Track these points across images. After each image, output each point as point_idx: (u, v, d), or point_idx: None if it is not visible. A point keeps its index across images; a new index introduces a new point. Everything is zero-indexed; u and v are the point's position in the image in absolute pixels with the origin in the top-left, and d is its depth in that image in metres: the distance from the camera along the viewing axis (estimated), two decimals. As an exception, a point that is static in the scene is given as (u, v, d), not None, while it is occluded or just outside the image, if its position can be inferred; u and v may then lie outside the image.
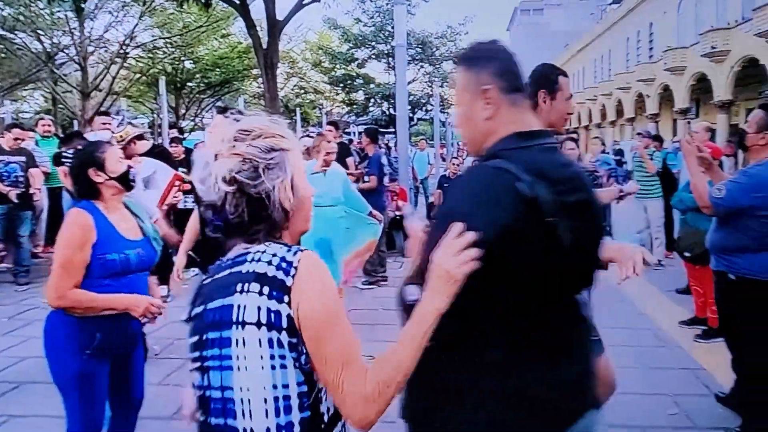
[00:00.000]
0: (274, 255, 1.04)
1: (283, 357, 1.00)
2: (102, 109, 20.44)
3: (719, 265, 2.92)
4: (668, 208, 6.27)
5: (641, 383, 3.55)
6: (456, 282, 1.07)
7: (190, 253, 7.03)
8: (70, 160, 3.59)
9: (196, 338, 1.08)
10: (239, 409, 1.00)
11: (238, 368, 1.00)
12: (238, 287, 1.02)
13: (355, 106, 24.60)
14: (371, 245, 4.62)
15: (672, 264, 6.60)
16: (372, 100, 23.42)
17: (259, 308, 0.99)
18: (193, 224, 3.49)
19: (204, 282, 1.13)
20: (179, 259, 3.45)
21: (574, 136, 5.81)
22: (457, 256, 1.06)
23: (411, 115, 23.90)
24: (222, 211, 1.07)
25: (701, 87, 25.65)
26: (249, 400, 1.00)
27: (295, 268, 1.02)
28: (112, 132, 5.42)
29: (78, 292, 2.00)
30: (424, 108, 23.21)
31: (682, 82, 27.16)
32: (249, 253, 1.06)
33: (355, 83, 23.42)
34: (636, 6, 34.03)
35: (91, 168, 2.14)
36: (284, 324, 0.99)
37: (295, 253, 1.05)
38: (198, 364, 1.09)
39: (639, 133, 7.48)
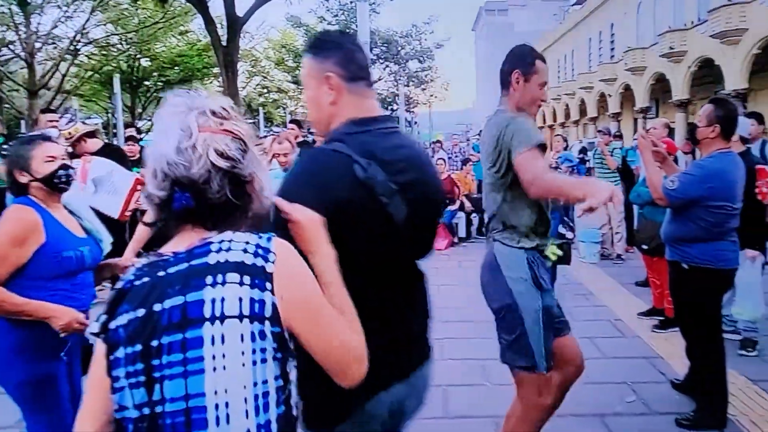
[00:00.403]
0: (248, 243, 0.98)
1: (264, 350, 0.94)
2: (52, 107, 19.64)
3: (673, 255, 3.04)
4: (628, 203, 6.34)
5: (600, 373, 3.64)
6: (321, 224, 1.15)
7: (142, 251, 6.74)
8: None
9: (138, 347, 0.92)
10: (212, 416, 0.90)
11: (214, 369, 0.90)
12: (209, 280, 0.92)
13: (319, 106, 24.35)
14: None
15: (632, 258, 6.83)
16: (336, 99, 23.25)
17: (240, 299, 0.92)
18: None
19: (136, 282, 0.98)
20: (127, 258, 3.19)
21: None
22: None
23: (377, 114, 23.69)
24: (202, 189, 0.98)
25: (660, 87, 26.34)
26: (227, 403, 0.91)
27: (274, 253, 0.98)
28: (60, 130, 5.12)
29: (3, 292, 1.87)
30: (389, 107, 23.12)
31: (642, 81, 27.84)
32: (211, 243, 0.97)
33: (319, 82, 23.17)
34: (597, 7, 34.75)
35: (16, 169, 2.02)
36: (268, 313, 0.94)
37: (269, 239, 1.00)
38: (138, 379, 0.93)
39: (600, 131, 7.54)
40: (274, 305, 0.95)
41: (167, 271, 0.97)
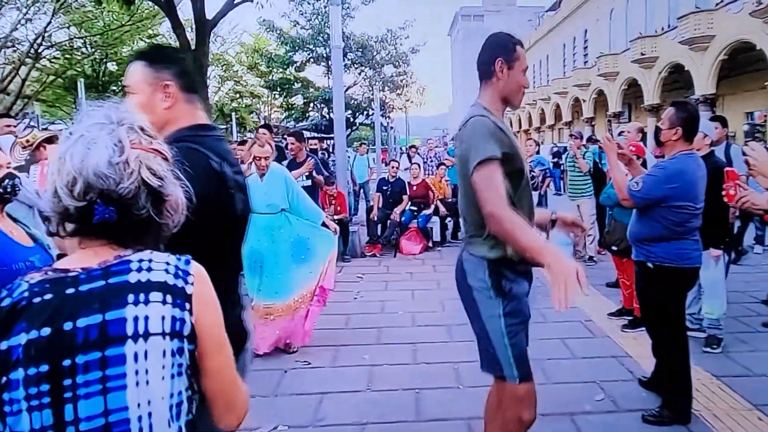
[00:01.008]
0: (168, 263, 1.01)
1: (180, 365, 0.98)
2: (12, 113, 18.97)
3: (639, 255, 3.09)
4: (600, 206, 6.41)
5: (570, 373, 3.73)
6: None
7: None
8: None
9: (44, 368, 0.89)
10: (135, 428, 0.93)
11: (137, 384, 0.93)
12: (131, 299, 0.94)
13: (293, 111, 24.16)
14: (333, 257, 4.37)
15: (603, 260, 6.89)
16: (311, 105, 23.09)
17: (163, 317, 0.96)
18: None
19: (35, 299, 0.93)
20: None
21: None
22: None
23: (352, 119, 23.67)
24: (128, 204, 0.99)
25: (633, 92, 26.89)
26: (150, 414, 0.94)
27: (192, 275, 1.02)
28: (16, 136, 4.97)
29: None
30: (365, 112, 23.07)
31: (614, 87, 28.39)
32: (130, 261, 0.99)
33: (293, 87, 22.98)
34: (571, 13, 35.37)
35: None
36: (186, 332, 0.98)
37: (187, 261, 1.04)
38: (41, 401, 0.90)
39: (572, 135, 7.63)
40: (192, 325, 0.99)
41: (78, 288, 0.94)
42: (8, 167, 2.02)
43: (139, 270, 0.97)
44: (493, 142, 1.90)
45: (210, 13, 9.13)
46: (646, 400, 3.25)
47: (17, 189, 2.04)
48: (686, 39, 20.82)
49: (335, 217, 7.59)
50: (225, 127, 29.93)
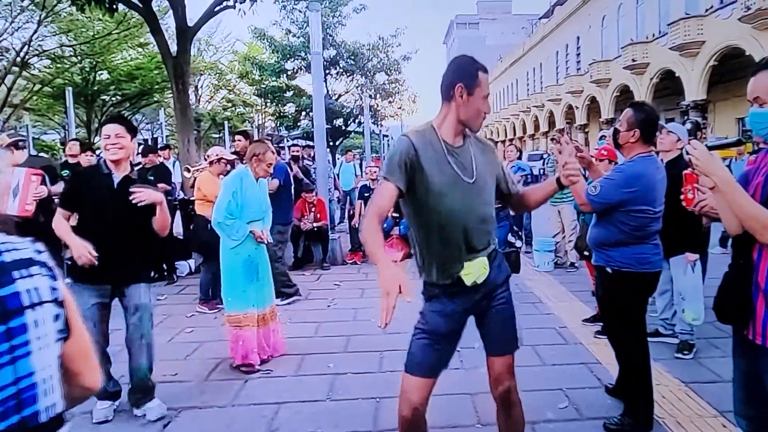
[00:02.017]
0: (21, 241, 1.08)
1: (61, 330, 1.08)
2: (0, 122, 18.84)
3: (599, 259, 3.03)
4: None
5: (538, 380, 3.66)
6: None
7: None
8: None
9: None
10: (42, 389, 1.02)
11: (39, 348, 1.03)
12: (16, 274, 1.02)
13: (285, 119, 24.14)
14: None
15: (585, 266, 6.73)
16: (303, 113, 23.08)
17: (48, 287, 1.06)
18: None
19: None
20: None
21: (495, 145, 5.76)
22: None
23: (344, 127, 23.66)
24: None
25: (625, 98, 26.91)
26: (51, 375, 1.05)
27: (40, 249, 1.10)
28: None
29: None
30: (357, 120, 23.06)
31: (607, 93, 28.47)
32: None
33: (285, 96, 22.97)
34: (563, 21, 35.54)
35: None
36: (60, 297, 1.08)
37: (31, 240, 1.11)
38: None
39: (553, 139, 7.58)
40: (61, 293, 1.09)
41: None
42: None
43: (8, 251, 1.04)
44: (397, 162, 2.01)
45: (192, 21, 9.11)
46: (610, 408, 3.19)
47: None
48: (677, 45, 20.91)
49: (315, 224, 7.53)
50: (218, 136, 29.83)
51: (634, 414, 2.93)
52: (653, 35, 24.40)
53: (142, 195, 2.96)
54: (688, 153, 2.01)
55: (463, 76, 2.10)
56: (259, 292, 4.01)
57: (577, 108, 32.85)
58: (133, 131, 3.12)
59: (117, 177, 3.09)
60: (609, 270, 2.93)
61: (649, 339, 4.10)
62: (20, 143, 5.09)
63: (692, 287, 3.90)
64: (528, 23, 54.18)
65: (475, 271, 2.14)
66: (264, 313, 4.07)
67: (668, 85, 23.22)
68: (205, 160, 5.99)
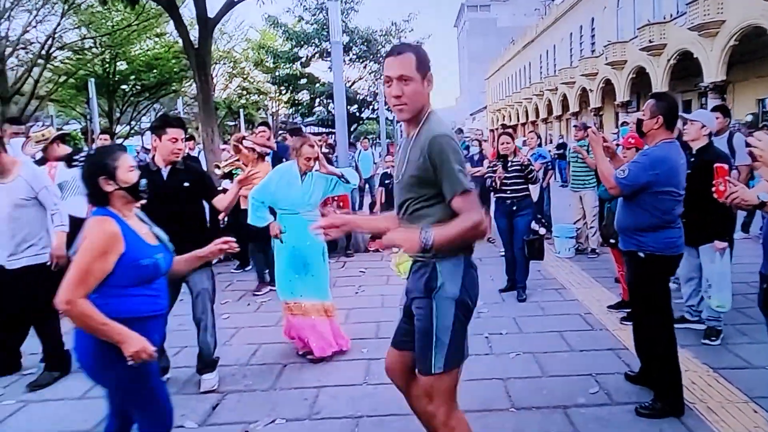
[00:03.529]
0: None
1: None
2: (26, 114, 19.25)
3: (629, 244, 3.12)
4: (601, 199, 6.38)
5: (567, 366, 3.75)
6: None
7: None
8: None
9: None
10: None
11: None
12: None
13: (300, 107, 24.20)
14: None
15: (606, 252, 6.83)
16: (317, 100, 23.10)
17: None
18: None
19: None
20: None
21: (509, 131, 5.79)
22: None
23: (358, 114, 23.67)
24: None
25: (641, 80, 26.55)
26: None
27: None
28: (32, 132, 5.10)
29: (86, 305, 1.91)
30: (371, 106, 23.03)
31: (622, 76, 28.06)
32: None
33: (299, 83, 23.01)
34: (578, 2, 34.93)
35: (102, 176, 2.07)
36: None
37: None
38: None
39: (575, 126, 7.59)
40: None
41: None
42: (137, 170, 2.19)
43: None
44: None
45: (212, 11, 9.16)
46: (640, 394, 3.23)
47: (144, 192, 2.20)
48: (695, 25, 20.48)
49: (337, 212, 7.65)
50: (233, 123, 30.00)
51: (665, 398, 3.01)
52: (671, 15, 23.93)
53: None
54: (749, 144, 2.07)
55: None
56: (307, 284, 4.06)
57: (591, 91, 32.43)
58: (186, 130, 3.46)
59: (165, 171, 3.39)
60: (641, 254, 3.03)
61: (675, 325, 4.22)
62: (66, 137, 5.27)
63: (720, 275, 3.94)
64: (541, 4, 53.28)
65: (404, 267, 2.23)
66: (322, 304, 4.09)
67: (686, 66, 22.81)
68: (235, 153, 6.11)
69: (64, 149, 5.14)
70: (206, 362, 3.59)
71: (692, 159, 3.93)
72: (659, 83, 24.37)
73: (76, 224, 4.92)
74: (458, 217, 1.93)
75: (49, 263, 3.67)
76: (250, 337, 4.52)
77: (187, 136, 4.02)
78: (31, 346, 3.96)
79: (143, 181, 2.17)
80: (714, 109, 5.35)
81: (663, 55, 23.93)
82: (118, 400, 2.13)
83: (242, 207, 5.37)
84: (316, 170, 4.11)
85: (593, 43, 33.49)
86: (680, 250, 3.06)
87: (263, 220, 4.09)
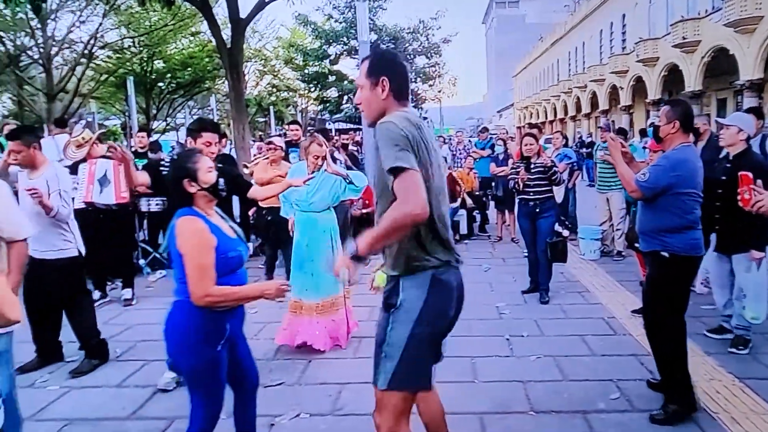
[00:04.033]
0: None
1: None
2: (70, 111, 20.07)
3: (651, 245, 3.15)
4: (628, 201, 6.33)
5: (588, 370, 3.75)
6: None
7: (156, 254, 7.07)
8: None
9: None
10: None
11: None
12: None
13: (328, 104, 24.41)
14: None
15: (632, 255, 6.72)
16: (345, 97, 23.27)
17: None
18: None
19: None
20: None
21: (534, 132, 5.80)
22: None
23: (385, 111, 23.64)
24: None
25: (673, 78, 25.93)
26: None
27: None
28: (71, 137, 5.37)
29: (221, 289, 2.18)
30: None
31: (654, 73, 27.45)
32: None
33: (328, 80, 23.23)
34: (609, -3, 34.29)
35: (185, 179, 2.27)
36: None
37: None
38: None
39: (599, 127, 7.52)
40: None
41: None
42: (210, 170, 2.36)
43: None
44: None
45: (244, 12, 9.37)
46: (661, 400, 3.19)
47: (223, 191, 2.42)
48: (731, 21, 19.89)
49: (363, 210, 7.75)
50: (264, 120, 30.51)
51: (676, 400, 3.04)
52: (705, 11, 23.28)
53: None
54: None
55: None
56: (317, 282, 4.18)
57: (621, 89, 31.81)
58: (220, 134, 3.63)
59: None
60: (665, 254, 3.05)
61: (714, 336, 4.16)
62: (102, 137, 5.54)
63: (755, 285, 3.78)
64: (570, 1, 52.43)
65: (381, 279, 2.18)
66: (323, 301, 4.22)
67: (721, 63, 22.17)
68: (259, 151, 6.31)
69: (102, 148, 5.40)
70: None
71: (728, 165, 3.86)
72: (692, 81, 23.76)
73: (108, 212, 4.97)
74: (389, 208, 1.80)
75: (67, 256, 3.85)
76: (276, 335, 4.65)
77: (220, 133, 4.20)
78: (71, 335, 4.15)
79: (221, 180, 2.38)
80: (748, 111, 5.20)
81: (697, 52, 23.31)
82: (187, 382, 2.32)
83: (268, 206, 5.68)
84: (324, 169, 4.21)
85: (624, 40, 32.82)
86: (702, 252, 3.14)
87: (286, 214, 4.55)
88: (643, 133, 13.38)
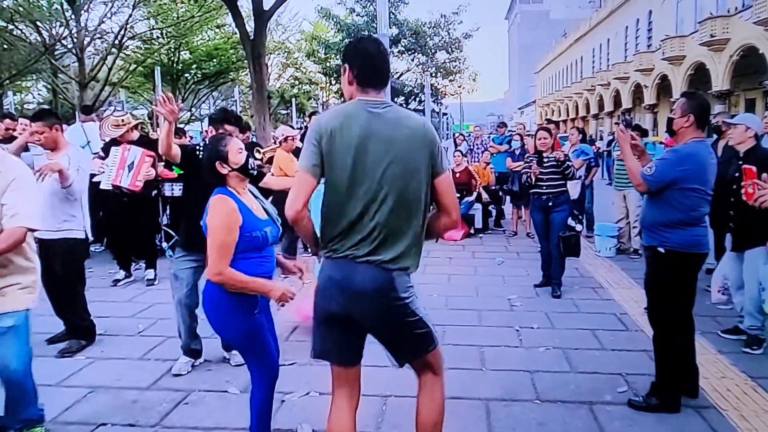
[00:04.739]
0: None
1: None
2: (101, 99, 20.61)
3: (651, 239, 3.14)
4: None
5: (596, 363, 3.77)
6: None
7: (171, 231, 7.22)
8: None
9: None
10: None
11: None
12: None
13: (349, 97, 24.54)
14: None
15: (649, 252, 6.69)
16: (366, 91, 23.35)
17: None
18: None
19: None
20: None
21: (550, 126, 5.80)
22: None
23: (405, 105, 23.79)
24: None
25: (699, 77, 25.42)
26: None
27: None
28: (112, 116, 5.58)
29: (233, 272, 2.32)
30: (417, 98, 23.10)
31: (680, 71, 26.95)
32: None
33: (349, 74, 23.36)
34: (635, -6, 33.71)
35: (217, 161, 2.43)
36: None
37: None
38: None
39: (616, 123, 7.47)
40: None
41: None
42: (245, 151, 2.52)
43: None
44: None
45: (267, 4, 9.50)
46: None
47: (253, 170, 2.54)
48: (762, 19, 19.41)
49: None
50: (286, 112, 30.83)
51: (662, 395, 3.06)
52: (735, 8, 22.77)
53: None
54: None
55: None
56: None
57: (646, 87, 31.29)
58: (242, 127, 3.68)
59: None
60: (662, 250, 3.04)
61: (728, 336, 4.12)
62: (137, 124, 5.76)
63: None
64: (597, -4, 51.69)
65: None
66: None
67: (750, 62, 21.68)
68: (274, 141, 6.43)
69: (136, 134, 5.62)
70: None
71: (740, 162, 3.87)
72: (720, 80, 23.28)
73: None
74: None
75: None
76: (289, 316, 4.76)
77: (242, 126, 4.27)
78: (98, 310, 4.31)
79: (251, 161, 2.51)
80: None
81: (725, 50, 22.84)
82: (237, 348, 2.53)
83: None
84: None
85: (650, 38, 32.27)
86: (704, 249, 3.05)
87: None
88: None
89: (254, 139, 9.19)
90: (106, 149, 5.64)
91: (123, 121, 5.40)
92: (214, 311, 2.43)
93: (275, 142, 6.56)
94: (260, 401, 2.51)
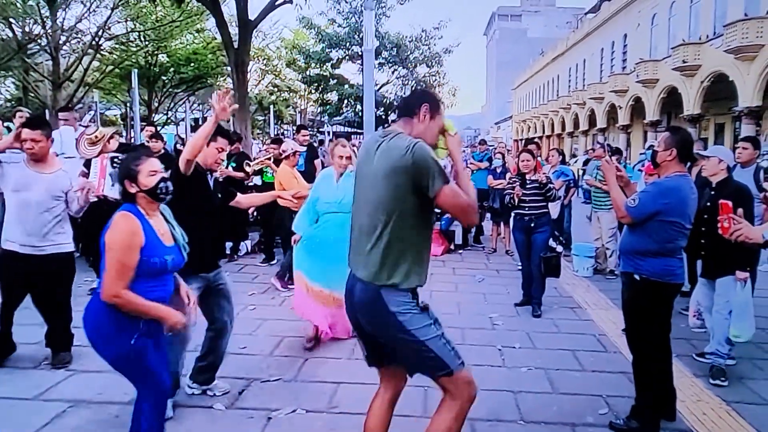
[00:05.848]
0: None
1: None
2: (75, 99, 20.13)
3: (627, 266, 3.25)
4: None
5: (577, 384, 3.84)
6: None
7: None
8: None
9: None
10: None
11: None
12: None
13: (328, 107, 24.59)
14: None
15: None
16: (345, 101, 23.44)
17: None
18: None
19: None
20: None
21: (532, 147, 5.92)
22: None
23: (384, 117, 23.94)
24: None
25: (672, 100, 26.24)
26: None
27: None
28: (84, 126, 5.43)
29: (130, 295, 2.26)
30: (397, 111, 23.27)
31: (653, 94, 27.76)
32: None
33: (329, 84, 23.41)
34: (611, 17, 34.65)
35: (126, 179, 2.39)
36: None
37: None
38: None
39: (592, 149, 7.64)
40: None
41: None
42: (162, 172, 2.45)
43: None
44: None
45: (252, 13, 9.48)
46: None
47: (170, 191, 2.47)
48: (732, 48, 20.17)
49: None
50: (263, 119, 30.66)
51: (640, 417, 3.14)
52: (707, 36, 23.61)
53: None
54: (764, 190, 2.14)
55: (432, 99, 2.36)
56: (340, 275, 4.30)
57: (620, 108, 32.14)
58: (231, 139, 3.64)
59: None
60: (637, 277, 3.15)
61: (702, 360, 4.19)
62: (115, 134, 5.65)
63: (741, 304, 3.85)
64: (573, 17, 52.95)
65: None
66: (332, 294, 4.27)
67: (721, 88, 22.46)
68: (281, 154, 6.42)
69: (114, 144, 5.51)
70: (216, 368, 3.51)
71: (712, 193, 4.03)
72: (692, 104, 24.06)
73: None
74: None
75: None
76: (275, 329, 4.74)
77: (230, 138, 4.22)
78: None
79: (162, 185, 2.42)
80: (744, 140, 5.39)
81: (696, 76, 23.63)
82: (117, 369, 2.41)
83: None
84: (351, 170, 4.26)
85: (624, 60, 33.18)
86: (678, 280, 3.14)
87: (300, 229, 4.42)
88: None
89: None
90: (87, 163, 5.53)
91: (96, 137, 5.28)
92: (95, 331, 2.34)
93: (281, 154, 6.50)
94: (147, 413, 2.41)
